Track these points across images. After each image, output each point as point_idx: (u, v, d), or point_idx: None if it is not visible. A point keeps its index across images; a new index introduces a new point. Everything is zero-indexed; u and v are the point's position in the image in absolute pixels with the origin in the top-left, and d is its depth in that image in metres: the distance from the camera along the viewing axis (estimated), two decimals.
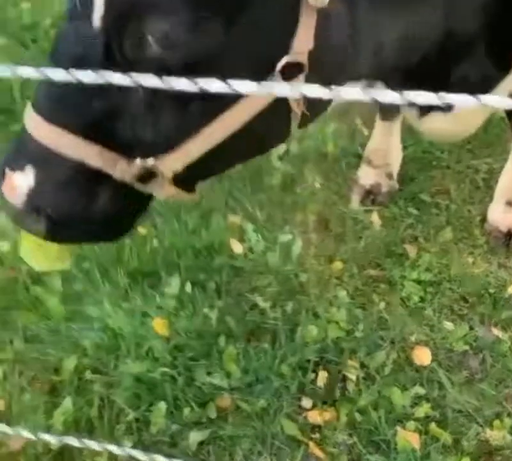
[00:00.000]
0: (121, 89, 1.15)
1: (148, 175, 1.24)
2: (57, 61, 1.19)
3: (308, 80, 1.22)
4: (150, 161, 1.22)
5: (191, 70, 1.12)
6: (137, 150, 1.22)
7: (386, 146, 2.76)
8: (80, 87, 1.12)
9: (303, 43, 1.18)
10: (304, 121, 1.35)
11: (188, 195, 1.36)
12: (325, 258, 2.57)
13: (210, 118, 1.20)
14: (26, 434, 1.00)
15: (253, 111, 1.20)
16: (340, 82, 1.34)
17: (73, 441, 0.97)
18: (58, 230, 1.28)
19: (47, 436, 1.01)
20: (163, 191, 1.28)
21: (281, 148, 2.93)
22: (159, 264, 2.50)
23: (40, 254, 1.38)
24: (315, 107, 1.31)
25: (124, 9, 1.11)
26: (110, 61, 1.13)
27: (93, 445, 0.95)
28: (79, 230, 1.31)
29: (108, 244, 2.49)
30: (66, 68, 1.13)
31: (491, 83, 1.70)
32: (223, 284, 2.45)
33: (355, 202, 2.75)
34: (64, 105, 1.21)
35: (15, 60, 3.06)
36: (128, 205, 1.33)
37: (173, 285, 2.40)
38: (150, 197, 1.33)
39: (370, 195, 2.74)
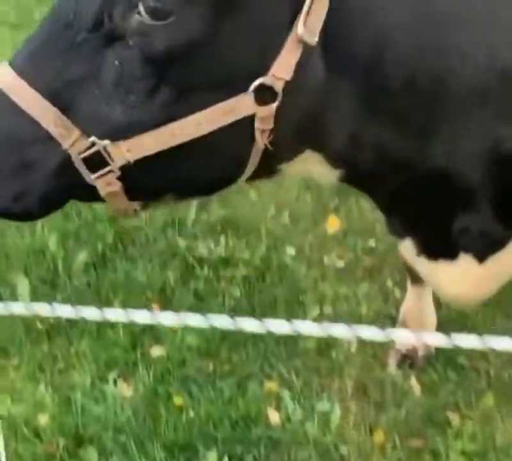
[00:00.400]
0: (98, 59, 1.17)
1: (98, 161, 1.20)
2: (48, 23, 1.21)
3: (278, 115, 1.23)
4: (104, 142, 1.18)
5: (166, 56, 1.15)
6: (94, 129, 1.19)
7: (420, 309, 2.79)
8: (58, 49, 1.16)
9: (281, 69, 1.19)
10: (261, 167, 1.32)
11: (128, 207, 1.29)
12: (365, 427, 2.50)
13: (172, 117, 1.18)
14: None
15: (215, 123, 1.19)
16: (308, 132, 1.32)
17: None
18: None
19: None
20: (107, 187, 1.22)
21: (315, 310, 2.98)
22: (195, 436, 2.46)
23: None
24: (278, 149, 1.27)
25: None
26: (96, 28, 1.16)
27: None
28: (5, 199, 1.24)
29: (144, 417, 2.48)
30: (55, 31, 1.17)
31: (498, 241, 1.60)
32: (261, 458, 2.38)
33: (392, 366, 2.72)
34: (37, 62, 1.21)
35: None
36: (67, 189, 1.26)
37: (210, 459, 2.34)
38: (92, 195, 1.25)
39: (407, 359, 2.72)
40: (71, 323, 2.87)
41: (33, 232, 3.34)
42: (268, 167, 1.36)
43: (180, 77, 1.16)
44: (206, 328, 2.79)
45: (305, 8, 1.16)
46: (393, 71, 1.32)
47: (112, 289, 3.08)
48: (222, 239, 3.40)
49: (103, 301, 3.02)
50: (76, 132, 1.17)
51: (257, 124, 1.21)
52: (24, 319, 2.87)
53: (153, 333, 2.89)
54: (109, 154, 1.19)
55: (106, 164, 1.20)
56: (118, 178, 1.22)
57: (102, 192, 1.22)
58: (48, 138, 1.18)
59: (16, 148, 1.20)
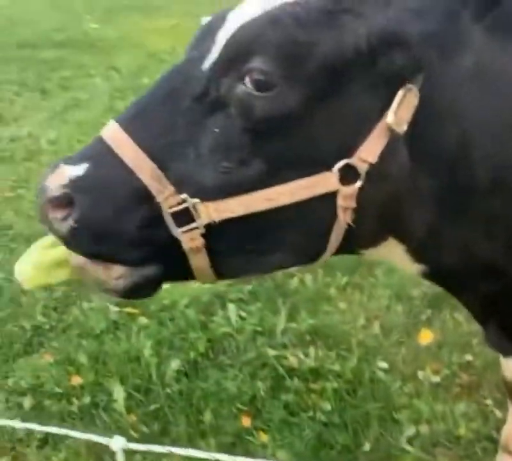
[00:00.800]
0: (198, 125, 1.25)
1: (186, 216, 1.25)
2: (157, 87, 1.32)
3: (360, 196, 1.25)
4: (194, 200, 1.24)
5: (262, 127, 1.21)
6: (186, 187, 1.25)
7: None
8: (162, 112, 1.26)
9: (367, 153, 1.24)
10: (344, 247, 1.33)
11: (208, 268, 1.31)
12: None
13: (259, 185, 1.24)
14: None
15: (298, 196, 1.23)
16: (390, 220, 1.33)
17: None
18: (77, 232, 1.25)
19: None
20: (191, 242, 1.26)
21: (410, 429, 2.87)
22: None
23: (36, 269, 1.34)
24: (359, 230, 1.29)
25: (238, 50, 1.23)
26: (203, 97, 1.26)
27: None
28: (96, 239, 1.27)
29: None
30: (162, 96, 1.28)
31: None
32: None
33: None
34: (141, 121, 1.29)
35: None
36: (151, 240, 1.29)
37: None
38: (175, 249, 1.27)
39: None
40: (166, 431, 2.88)
41: (129, 337, 3.44)
42: (350, 248, 1.38)
43: (271, 150, 1.23)
44: (297, 443, 2.70)
45: (397, 99, 1.22)
46: (479, 170, 1.32)
47: (203, 398, 3.08)
48: (312, 349, 3.38)
49: (194, 411, 3.03)
50: (170, 188, 1.24)
51: (340, 201, 1.26)
52: (119, 428, 2.91)
53: (243, 446, 2.85)
54: (196, 212, 1.25)
55: (192, 220, 1.26)
56: (202, 235, 1.27)
57: (186, 246, 1.27)
58: (144, 191, 1.25)
59: (113, 197, 1.27)
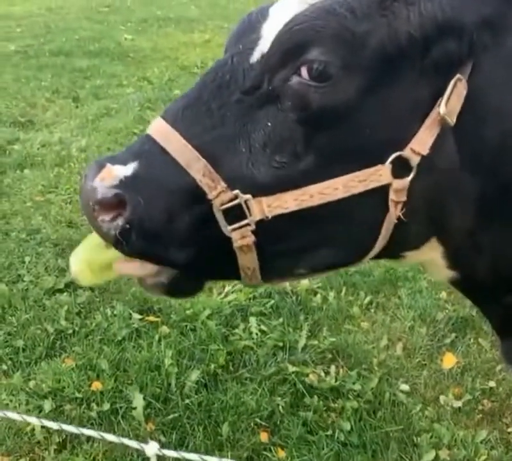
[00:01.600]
0: (249, 119, 1.22)
1: (237, 214, 1.22)
2: (204, 81, 1.28)
3: (411, 190, 1.23)
4: (246, 196, 1.21)
5: (317, 118, 1.19)
6: (237, 183, 1.22)
7: None
8: (211, 107, 1.23)
9: (419, 145, 1.21)
10: (389, 247, 1.31)
11: (256, 268, 1.28)
12: None
13: (312, 180, 1.21)
14: None
15: (351, 190, 1.21)
16: (435, 216, 1.30)
17: None
18: (128, 233, 1.21)
19: None
20: (242, 240, 1.23)
21: (430, 454, 2.83)
22: None
23: (89, 268, 1.32)
24: (408, 226, 1.26)
25: (293, 42, 1.20)
26: (253, 90, 1.23)
27: None
28: (146, 239, 1.23)
29: None
30: (210, 90, 1.25)
31: None
32: None
33: None
34: (189, 116, 1.26)
35: None
36: (201, 239, 1.25)
37: None
38: (224, 248, 1.25)
39: None
40: (183, 441, 2.87)
41: (150, 346, 3.45)
42: (395, 249, 1.35)
43: (325, 143, 1.21)
44: (315, 460, 2.66)
45: (449, 88, 1.20)
46: None
47: (222, 411, 3.07)
48: (332, 367, 3.36)
49: (212, 423, 3.02)
50: (222, 184, 1.22)
51: (391, 195, 1.24)
52: (137, 436, 2.91)
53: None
54: (248, 208, 1.22)
55: (244, 217, 1.23)
56: (252, 232, 1.24)
57: (236, 244, 1.24)
58: (195, 188, 1.22)
59: (164, 195, 1.24)
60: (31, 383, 3.18)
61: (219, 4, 14.89)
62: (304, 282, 4.04)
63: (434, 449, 2.86)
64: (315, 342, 3.54)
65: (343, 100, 1.19)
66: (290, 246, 1.29)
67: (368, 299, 3.90)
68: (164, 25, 12.73)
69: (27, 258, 4.29)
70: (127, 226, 1.21)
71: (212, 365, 3.32)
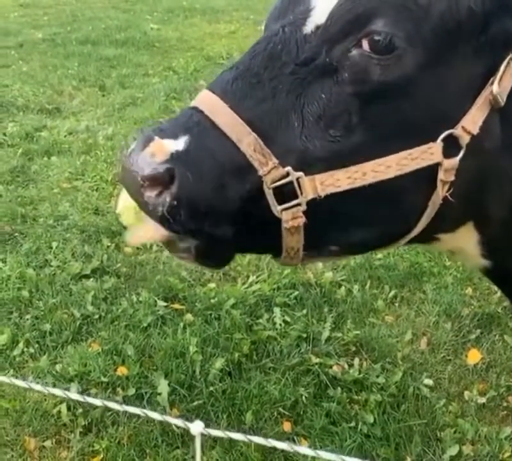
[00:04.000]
0: (303, 92, 1.18)
1: (288, 192, 1.17)
2: (249, 55, 1.23)
3: (458, 170, 1.21)
4: (299, 173, 1.17)
5: (376, 91, 1.17)
6: (290, 160, 1.18)
7: None
8: (262, 79, 1.18)
9: (470, 124, 1.19)
10: (428, 228, 1.29)
11: (300, 250, 1.23)
12: None
13: (366, 156, 1.18)
14: None
15: (404, 168, 1.18)
16: (476, 199, 1.29)
17: None
18: (176, 209, 1.16)
19: None
20: (292, 220, 1.18)
21: (453, 448, 2.82)
22: None
23: (134, 210, 1.25)
24: (450, 207, 1.24)
25: (355, 14, 1.17)
26: (308, 62, 1.19)
27: None
28: (194, 217, 1.18)
29: None
30: (258, 62, 1.20)
31: None
32: None
33: None
34: (239, 89, 1.21)
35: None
36: (248, 218, 1.20)
37: None
38: (271, 228, 1.20)
39: None
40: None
41: (175, 333, 3.47)
42: (432, 230, 1.33)
43: (380, 117, 1.19)
44: (338, 451, 2.69)
45: (502, 68, 1.19)
46: None
47: (245, 399, 3.09)
48: (356, 360, 3.36)
49: (236, 411, 3.04)
50: (274, 160, 1.17)
51: (440, 175, 1.21)
52: (161, 422, 2.93)
53: (284, 451, 2.84)
54: (300, 186, 1.18)
55: (295, 196, 1.18)
56: (307, 215, 1.19)
57: (286, 224, 1.19)
58: (245, 163, 1.18)
59: (214, 170, 1.19)
60: (58, 367, 3.23)
61: None
62: (329, 275, 4.04)
63: (457, 444, 2.86)
64: (339, 334, 3.54)
65: (404, 74, 1.16)
66: (336, 227, 1.26)
67: (393, 293, 3.89)
68: (190, 16, 12.72)
69: (54, 244, 4.33)
70: (174, 202, 1.16)
71: (236, 354, 3.33)
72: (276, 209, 1.18)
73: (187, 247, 1.25)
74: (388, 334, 3.56)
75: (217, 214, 1.20)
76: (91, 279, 3.97)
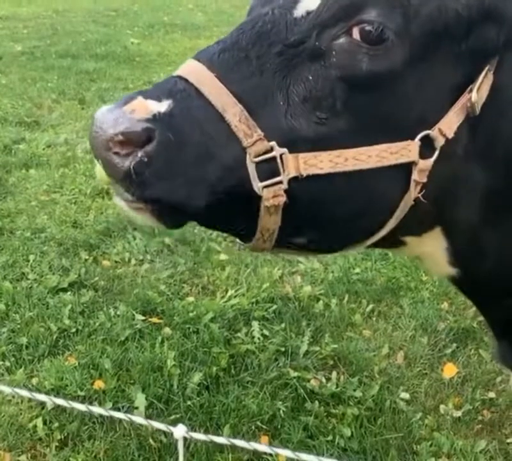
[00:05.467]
0: (290, 72, 1.18)
1: (270, 169, 1.16)
2: (239, 32, 1.23)
3: (432, 173, 1.23)
4: (283, 149, 1.16)
5: (362, 79, 1.18)
6: (274, 136, 1.16)
7: None
8: (249, 55, 1.18)
9: (447, 127, 1.22)
10: (403, 223, 1.29)
11: (274, 233, 1.22)
12: None
13: (348, 142, 1.19)
14: None
15: (383, 160, 1.20)
16: (444, 204, 1.31)
17: None
18: (144, 169, 1.12)
19: None
20: (273, 199, 1.16)
21: None
22: None
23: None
24: (418, 209, 1.26)
25: (347, 1, 1.17)
26: (297, 45, 1.19)
27: None
28: (164, 181, 1.14)
29: None
30: (247, 38, 1.20)
31: None
32: None
33: None
34: (227, 61, 1.20)
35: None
36: (228, 193, 1.17)
37: None
38: (249, 206, 1.19)
39: None
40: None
41: (153, 346, 3.46)
42: (398, 232, 1.34)
43: (364, 106, 1.20)
44: None
45: (481, 78, 1.22)
46: None
47: (223, 413, 3.08)
48: (334, 374, 3.38)
49: (213, 425, 3.03)
50: (259, 132, 1.16)
51: (415, 175, 1.23)
52: (138, 435, 2.91)
53: None
54: (283, 163, 1.17)
55: (277, 174, 1.17)
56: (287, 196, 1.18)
57: (267, 203, 1.17)
58: (229, 133, 1.16)
59: (196, 137, 1.16)
60: (34, 380, 3.20)
61: (225, 12, 14.99)
62: (307, 289, 4.07)
63: (433, 457, 2.88)
64: (317, 348, 3.56)
65: (390, 66, 1.18)
66: (310, 212, 1.24)
67: (370, 307, 3.93)
68: (171, 31, 12.81)
69: (31, 257, 4.30)
70: (145, 159, 1.12)
71: (214, 368, 3.33)
72: (258, 185, 1.17)
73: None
74: (365, 348, 3.59)
75: (191, 183, 1.16)
76: (69, 292, 3.95)
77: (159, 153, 1.13)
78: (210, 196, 1.17)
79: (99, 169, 1.20)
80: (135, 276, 4.22)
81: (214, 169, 1.16)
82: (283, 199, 1.17)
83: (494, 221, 1.36)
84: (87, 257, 4.38)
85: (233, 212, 1.22)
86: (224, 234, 1.38)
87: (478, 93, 1.22)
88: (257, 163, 1.16)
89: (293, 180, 1.18)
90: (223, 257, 4.44)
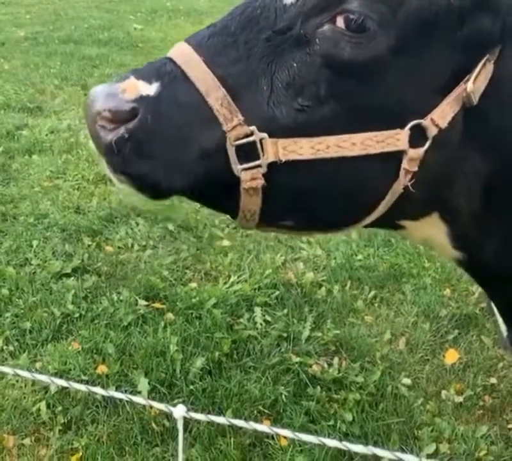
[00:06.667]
0: (275, 58, 1.19)
1: (250, 153, 1.18)
2: (229, 17, 1.25)
3: (421, 162, 1.23)
4: (262, 134, 1.18)
5: (346, 68, 1.18)
6: (255, 120, 1.19)
7: None
8: (238, 40, 1.20)
9: (439, 117, 1.21)
10: (387, 214, 1.30)
11: (256, 213, 1.25)
12: None
13: (331, 130, 1.20)
14: None
15: (368, 149, 1.20)
16: (439, 194, 1.31)
17: None
18: (124, 143, 1.17)
19: None
20: (251, 181, 1.19)
21: (430, 446, 2.86)
22: None
23: None
24: (410, 197, 1.26)
25: None
26: (284, 31, 1.20)
27: None
28: (144, 157, 1.19)
29: None
30: (236, 24, 1.22)
31: None
32: None
33: None
34: (214, 45, 1.23)
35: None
36: (205, 173, 1.20)
37: None
38: (229, 187, 1.21)
39: None
40: (185, 428, 2.90)
41: (156, 332, 3.48)
42: (392, 216, 1.35)
43: (349, 94, 1.20)
44: (317, 451, 2.71)
45: (478, 68, 1.21)
46: None
47: (225, 398, 3.10)
48: (336, 359, 3.39)
49: (216, 409, 3.05)
50: (240, 117, 1.18)
51: (404, 164, 1.23)
52: (141, 419, 2.93)
53: (263, 449, 2.86)
54: (262, 148, 1.19)
55: (256, 158, 1.19)
56: (263, 175, 1.20)
57: (245, 185, 1.20)
58: (211, 117, 1.19)
59: (177, 119, 1.20)
60: (37, 365, 3.22)
61: None
62: (309, 275, 4.07)
63: (434, 443, 2.89)
64: (319, 334, 3.57)
65: (373, 55, 1.18)
66: (294, 197, 1.26)
67: (372, 293, 3.93)
68: (174, 17, 12.73)
69: (34, 243, 4.31)
70: (126, 135, 1.17)
71: (217, 353, 3.35)
72: (237, 167, 1.20)
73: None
74: (367, 334, 3.60)
75: (171, 160, 1.20)
76: (72, 278, 3.96)
77: (140, 130, 1.18)
78: (189, 178, 1.21)
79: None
80: (138, 261, 4.22)
81: (193, 151, 1.19)
82: (261, 182, 1.20)
83: (496, 210, 1.36)
84: (90, 243, 4.39)
85: (214, 193, 1.25)
86: (222, 215, 1.40)
87: (475, 84, 1.21)
88: (237, 147, 1.19)
89: (273, 165, 1.20)
90: (225, 243, 4.45)
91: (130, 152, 1.18)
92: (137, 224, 4.65)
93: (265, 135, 1.19)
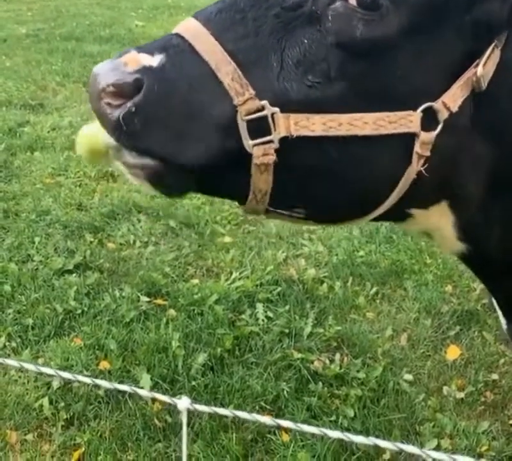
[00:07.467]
0: (286, 35, 1.18)
1: (261, 128, 1.16)
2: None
3: (434, 147, 1.22)
4: (275, 109, 1.16)
5: (358, 46, 1.17)
6: (266, 95, 1.17)
7: None
8: (247, 16, 1.18)
9: (450, 101, 1.21)
10: (398, 202, 1.29)
11: (266, 193, 1.22)
12: None
13: (343, 107, 1.18)
14: None
15: (380, 128, 1.18)
16: (449, 179, 1.30)
17: None
18: (131, 117, 1.13)
19: None
20: (263, 157, 1.17)
21: (432, 442, 2.87)
22: None
23: (88, 147, 1.26)
24: (422, 183, 1.25)
25: None
26: (295, 8, 1.19)
27: None
28: (153, 131, 1.15)
29: None
30: (246, 2, 1.20)
31: None
32: None
33: None
34: (223, 20, 1.21)
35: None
36: (218, 149, 1.18)
37: None
38: (240, 164, 1.18)
39: None
40: (187, 423, 2.91)
41: (158, 328, 3.48)
42: (402, 204, 1.32)
43: (360, 73, 1.19)
44: (319, 446, 2.71)
45: (487, 52, 1.21)
46: None
47: (227, 394, 3.11)
48: (337, 355, 3.40)
49: (218, 405, 3.06)
50: (251, 91, 1.16)
51: (417, 148, 1.21)
52: (143, 415, 2.94)
53: (265, 444, 2.87)
54: (274, 123, 1.16)
55: (268, 133, 1.17)
56: (275, 151, 1.18)
57: (256, 160, 1.17)
58: (222, 91, 1.16)
59: (189, 96, 1.17)
60: (40, 361, 3.22)
61: None
62: (311, 271, 4.07)
63: (436, 438, 2.90)
64: (321, 330, 3.57)
65: (386, 34, 1.17)
66: (306, 178, 1.24)
67: (374, 290, 3.93)
68: (175, 13, 12.71)
69: (36, 239, 4.32)
70: (133, 109, 1.14)
71: (219, 349, 3.35)
72: (248, 142, 1.17)
73: (139, 164, 1.21)
74: (369, 330, 3.60)
75: (181, 133, 1.17)
76: (74, 274, 3.97)
77: (147, 103, 1.15)
78: (200, 151, 1.18)
79: (80, 142, 1.26)
80: (140, 258, 4.23)
81: (204, 125, 1.17)
82: (273, 158, 1.18)
83: (503, 198, 1.36)
84: (92, 240, 4.39)
85: (225, 169, 1.22)
86: (225, 199, 1.38)
87: (484, 68, 1.21)
88: (248, 121, 1.16)
89: (285, 141, 1.18)
90: (227, 239, 4.45)
91: (138, 125, 1.15)
92: (139, 220, 4.66)
93: (277, 109, 1.17)
